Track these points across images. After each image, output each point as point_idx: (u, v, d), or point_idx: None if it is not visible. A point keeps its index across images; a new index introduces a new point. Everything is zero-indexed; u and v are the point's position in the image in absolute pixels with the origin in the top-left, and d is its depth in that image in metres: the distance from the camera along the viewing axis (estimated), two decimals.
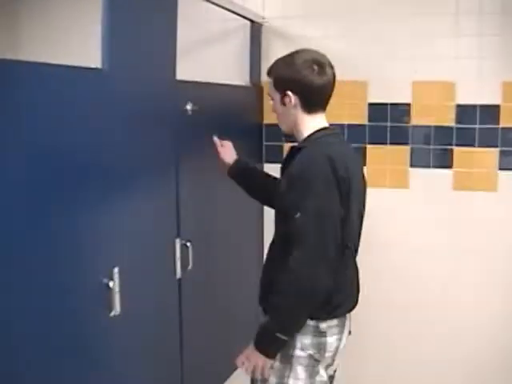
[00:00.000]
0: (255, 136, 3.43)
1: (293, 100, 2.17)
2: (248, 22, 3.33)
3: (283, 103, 2.21)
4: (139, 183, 2.19)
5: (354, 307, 2.30)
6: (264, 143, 3.50)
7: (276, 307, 2.09)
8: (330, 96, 2.23)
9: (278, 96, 2.23)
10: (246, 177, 2.64)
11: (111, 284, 1.97)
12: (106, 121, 1.94)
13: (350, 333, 2.31)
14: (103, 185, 1.96)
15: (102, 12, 1.89)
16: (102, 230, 1.97)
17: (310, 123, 2.21)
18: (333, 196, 2.07)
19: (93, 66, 1.90)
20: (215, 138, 2.58)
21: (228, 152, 2.61)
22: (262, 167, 3.44)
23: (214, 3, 2.77)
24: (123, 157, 2.06)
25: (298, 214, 2.04)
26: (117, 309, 2.01)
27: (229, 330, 3.02)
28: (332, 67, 2.20)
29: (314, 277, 2.03)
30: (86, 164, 1.86)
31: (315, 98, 2.20)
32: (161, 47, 2.29)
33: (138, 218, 2.18)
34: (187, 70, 2.48)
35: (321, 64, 2.16)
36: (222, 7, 2.89)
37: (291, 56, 2.21)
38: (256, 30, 3.40)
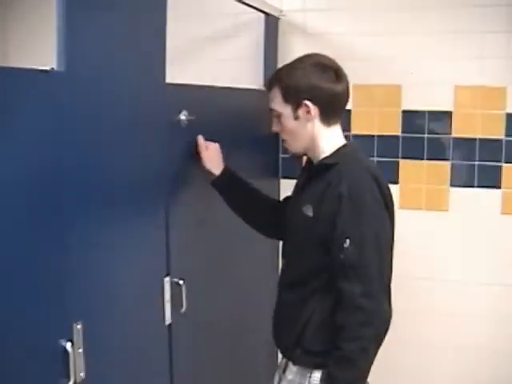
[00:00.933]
0: (270, 147, 3.18)
1: (312, 111, 1.99)
2: (262, 16, 3.09)
3: (296, 117, 2.02)
4: (116, 210, 1.91)
5: None
6: (280, 156, 3.27)
7: (349, 357, 1.90)
8: (346, 104, 2.11)
9: (288, 109, 2.03)
10: (234, 191, 2.35)
11: (69, 346, 1.64)
12: (66, 136, 1.63)
13: None
14: (62, 213, 1.65)
15: (56, 2, 1.61)
16: (62, 274, 1.66)
17: (330, 136, 2.05)
18: (385, 218, 1.97)
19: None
20: (200, 138, 2.25)
21: (213, 157, 2.29)
22: (278, 183, 3.27)
23: None
24: (95, 180, 1.78)
25: (348, 242, 1.89)
26: (79, 376, 1.68)
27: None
28: (345, 73, 2.04)
29: (383, 311, 1.93)
30: (43, 191, 1.57)
31: (335, 108, 2.05)
32: (144, 44, 2.00)
33: (115, 254, 1.89)
34: (188, 72, 2.21)
35: (336, 69, 2.02)
36: None
37: (300, 61, 2.06)
38: (272, 24, 3.15)
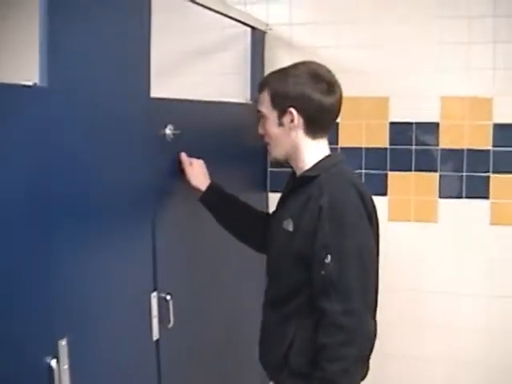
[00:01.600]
0: (258, 161, 3.15)
1: (296, 120, 1.93)
2: (249, 30, 3.07)
3: (280, 123, 1.96)
4: (102, 224, 1.87)
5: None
6: (268, 169, 3.24)
7: (331, 378, 1.80)
8: (336, 119, 2.03)
9: (274, 114, 1.98)
10: (222, 207, 2.29)
11: (54, 363, 1.60)
12: (51, 150, 1.60)
13: None
14: (47, 228, 1.61)
15: (39, 17, 1.58)
16: (46, 290, 1.61)
17: (314, 149, 1.99)
18: (369, 232, 1.89)
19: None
20: (183, 155, 2.20)
21: (198, 173, 2.23)
22: (267, 196, 3.22)
23: (209, 8, 2.45)
24: (81, 195, 1.74)
25: (329, 258, 1.80)
26: None
27: None
28: (339, 86, 1.98)
29: (365, 329, 1.83)
30: (28, 206, 1.54)
31: (322, 121, 1.98)
32: (129, 58, 1.96)
33: (101, 269, 1.84)
34: (174, 86, 2.15)
35: (329, 81, 1.95)
36: (220, 13, 2.60)
37: (295, 68, 1.98)
38: (258, 38, 3.12)
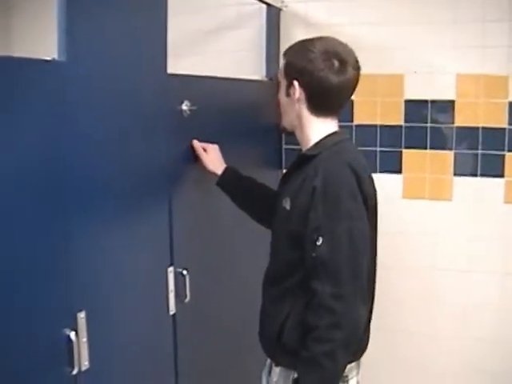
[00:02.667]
0: (273, 139, 3.12)
1: (297, 93, 1.92)
2: (264, 7, 3.04)
3: (288, 94, 1.96)
4: (120, 200, 1.88)
5: (367, 345, 2.02)
6: (284, 147, 3.21)
7: (316, 359, 1.76)
8: (346, 100, 1.98)
9: (284, 83, 1.98)
10: (240, 188, 2.31)
11: (73, 335, 1.62)
12: (68, 125, 1.61)
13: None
14: (64, 203, 1.63)
15: None
16: (66, 264, 1.63)
17: (318, 127, 1.95)
18: (362, 214, 1.81)
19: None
20: (195, 143, 2.22)
21: (214, 158, 2.26)
22: (281, 174, 3.10)
23: None
24: (98, 170, 1.75)
25: (321, 240, 1.76)
26: (83, 364, 1.67)
27: (235, 375, 2.69)
28: (357, 68, 1.91)
29: (355, 314, 1.77)
30: (46, 180, 1.56)
31: (327, 99, 1.93)
32: (145, 34, 1.96)
33: (119, 244, 1.86)
34: (191, 63, 2.15)
35: (343, 60, 1.88)
36: None
37: (311, 41, 1.94)
38: (273, 15, 3.09)
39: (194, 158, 2.22)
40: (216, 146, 2.26)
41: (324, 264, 1.75)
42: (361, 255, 1.79)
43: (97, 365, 1.70)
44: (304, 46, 1.93)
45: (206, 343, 2.41)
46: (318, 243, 1.75)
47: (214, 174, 2.24)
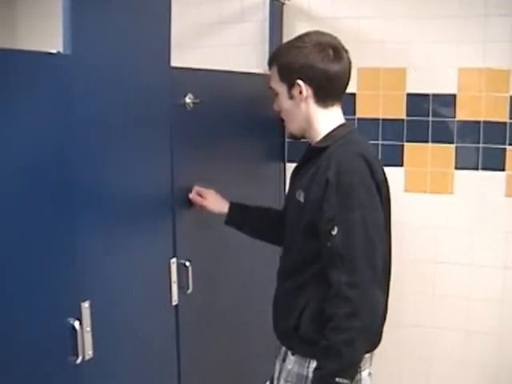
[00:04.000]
0: (275, 131, 3.11)
1: (304, 91, 1.91)
2: (267, 0, 3.05)
3: (291, 96, 1.94)
4: (124, 192, 1.90)
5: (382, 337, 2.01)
6: (286, 140, 3.21)
7: (335, 348, 1.76)
8: (347, 84, 1.97)
9: (284, 88, 1.95)
10: (248, 221, 2.34)
11: (77, 324, 1.64)
12: (72, 117, 1.63)
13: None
14: (69, 194, 1.65)
15: None
16: (70, 254, 1.66)
17: (327, 119, 1.95)
18: (376, 204, 1.82)
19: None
20: (192, 196, 2.26)
21: (214, 201, 2.30)
22: (284, 167, 3.19)
23: None
24: (102, 162, 1.77)
25: (336, 230, 1.77)
26: (87, 353, 1.69)
27: (237, 365, 2.69)
28: (347, 51, 1.94)
29: (372, 302, 1.77)
30: (52, 172, 1.58)
31: (331, 88, 1.94)
32: (149, 27, 1.97)
33: (122, 235, 1.88)
34: (194, 56, 2.14)
35: (335, 47, 1.91)
36: None
37: (299, 39, 1.95)
38: (277, 8, 3.08)
39: (197, 206, 2.25)
40: (211, 190, 2.29)
41: (339, 253, 1.76)
42: (376, 244, 1.79)
43: (100, 354, 1.73)
44: (293, 45, 1.94)
45: (209, 334, 2.42)
46: (333, 233, 1.76)
47: (221, 213, 2.29)
